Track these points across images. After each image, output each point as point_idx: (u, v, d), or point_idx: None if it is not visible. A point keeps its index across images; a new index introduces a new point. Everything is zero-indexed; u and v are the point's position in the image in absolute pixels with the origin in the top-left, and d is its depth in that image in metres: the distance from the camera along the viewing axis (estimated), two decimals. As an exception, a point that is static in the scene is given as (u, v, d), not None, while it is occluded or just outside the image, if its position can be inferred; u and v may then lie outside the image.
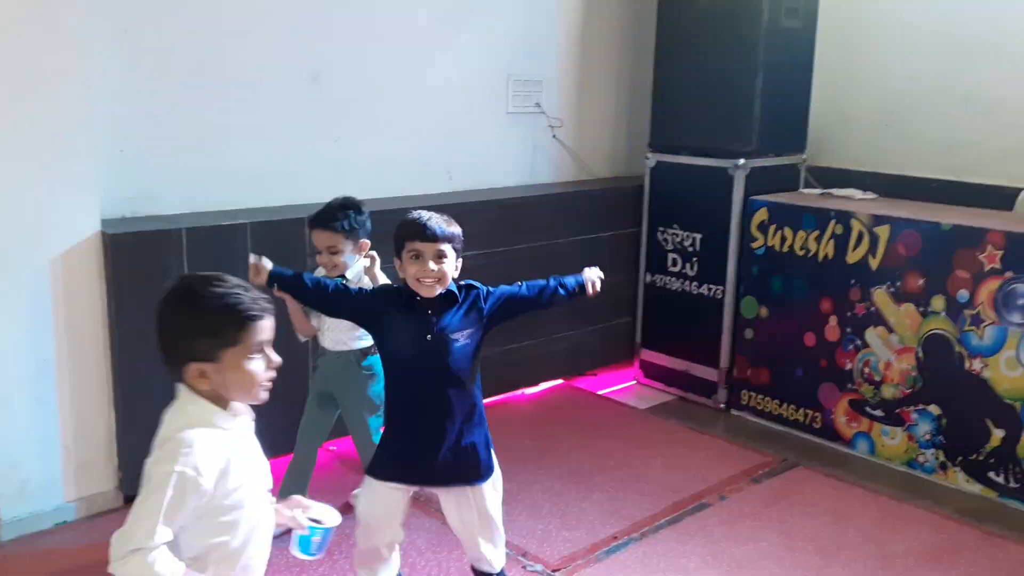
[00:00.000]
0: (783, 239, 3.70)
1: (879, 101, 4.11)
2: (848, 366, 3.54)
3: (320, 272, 2.70)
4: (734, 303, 3.91)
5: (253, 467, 1.62)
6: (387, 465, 2.19)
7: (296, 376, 3.14)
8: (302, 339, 2.79)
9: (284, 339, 2.90)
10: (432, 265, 2.08)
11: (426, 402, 2.14)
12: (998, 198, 3.66)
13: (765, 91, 3.79)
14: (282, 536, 1.76)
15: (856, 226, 3.47)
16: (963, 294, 3.20)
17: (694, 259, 4.02)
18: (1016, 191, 3.64)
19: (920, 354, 3.34)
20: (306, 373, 3.18)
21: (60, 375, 2.77)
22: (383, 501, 2.19)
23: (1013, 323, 3.09)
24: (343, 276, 2.63)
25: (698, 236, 3.99)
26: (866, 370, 3.49)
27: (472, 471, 2.18)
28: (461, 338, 2.14)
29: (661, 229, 4.13)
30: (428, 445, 2.13)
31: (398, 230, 2.15)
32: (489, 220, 3.71)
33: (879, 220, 3.42)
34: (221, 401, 1.57)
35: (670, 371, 4.17)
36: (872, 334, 3.46)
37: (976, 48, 3.80)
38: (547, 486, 3.14)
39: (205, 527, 1.53)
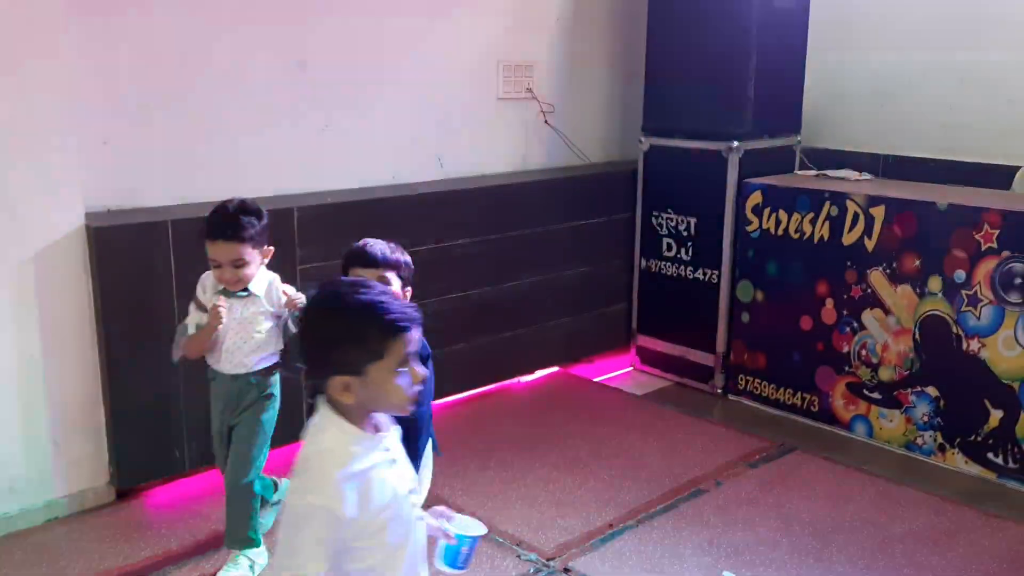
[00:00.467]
0: (778, 222, 3.66)
1: (874, 81, 4.07)
2: (845, 349, 3.51)
3: (209, 293, 2.41)
4: (730, 287, 3.87)
5: (398, 482, 1.54)
6: None
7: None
8: (177, 360, 2.50)
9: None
10: None
11: None
12: (995, 177, 3.63)
13: (759, 72, 3.74)
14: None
15: (851, 207, 3.44)
16: (960, 274, 3.17)
17: (689, 244, 3.98)
18: (1013, 169, 3.61)
19: (917, 336, 3.31)
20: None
21: (48, 370, 2.74)
22: None
23: (1010, 303, 3.06)
24: (246, 290, 2.39)
25: (692, 220, 3.96)
26: (863, 353, 3.46)
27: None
28: None
29: (655, 214, 4.09)
30: None
31: (343, 256, 2.23)
32: (481, 207, 3.68)
33: (874, 201, 3.38)
34: (364, 415, 1.50)
35: (666, 357, 4.14)
36: (869, 316, 3.43)
37: (972, 26, 3.76)
38: (543, 474, 3.12)
39: (358, 551, 1.48)
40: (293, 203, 3.16)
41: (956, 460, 3.25)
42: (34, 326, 2.70)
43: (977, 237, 3.12)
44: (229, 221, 2.33)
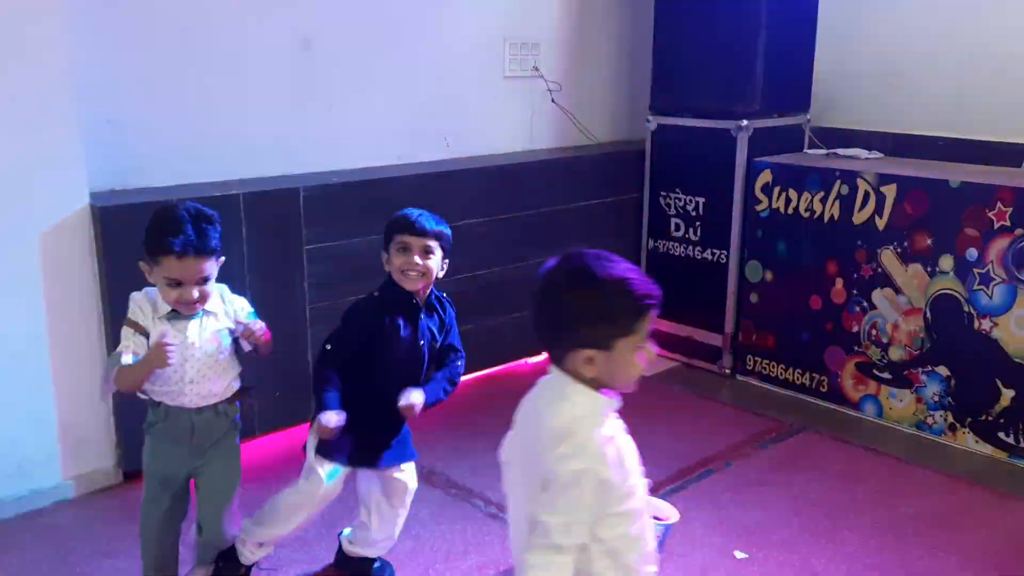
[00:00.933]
0: (788, 201, 3.63)
1: (883, 59, 4.01)
2: (855, 329, 3.48)
3: (150, 317, 2.04)
4: (738, 267, 3.85)
5: (631, 453, 1.57)
6: (342, 449, 2.18)
7: (295, 342, 3.10)
8: (107, 397, 2.24)
9: (280, 306, 2.86)
10: (418, 259, 2.15)
11: (391, 395, 2.14)
12: (1006, 155, 3.58)
13: (768, 50, 3.70)
14: None
15: (862, 186, 3.40)
16: (972, 253, 3.14)
17: (697, 223, 3.95)
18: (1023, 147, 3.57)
19: (928, 315, 3.28)
20: (305, 340, 3.13)
21: (54, 352, 2.73)
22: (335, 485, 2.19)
23: (1023, 281, 3.03)
24: (206, 311, 2.07)
25: (701, 200, 3.93)
26: (873, 332, 3.44)
27: (410, 452, 2.32)
28: (430, 344, 2.25)
29: (663, 194, 4.06)
30: (384, 432, 2.25)
31: (388, 224, 2.22)
32: (487, 187, 3.65)
33: (885, 179, 3.35)
34: (597, 388, 1.52)
35: (674, 337, 4.11)
36: (879, 295, 3.40)
37: (982, 3, 3.70)
38: (551, 455, 3.11)
39: (610, 519, 1.50)
40: (299, 183, 3.14)
41: (967, 440, 3.24)
42: (40, 306, 2.68)
43: (990, 215, 3.08)
44: (197, 232, 1.97)
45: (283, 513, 2.22)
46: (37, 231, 2.64)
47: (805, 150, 4.00)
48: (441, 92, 3.72)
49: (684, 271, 4.02)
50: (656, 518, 1.69)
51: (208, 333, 2.08)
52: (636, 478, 1.55)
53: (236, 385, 2.16)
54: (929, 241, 3.24)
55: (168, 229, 1.97)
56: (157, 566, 2.22)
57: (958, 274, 3.18)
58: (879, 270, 3.39)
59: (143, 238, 2.03)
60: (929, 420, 3.33)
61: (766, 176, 3.69)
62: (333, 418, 2.07)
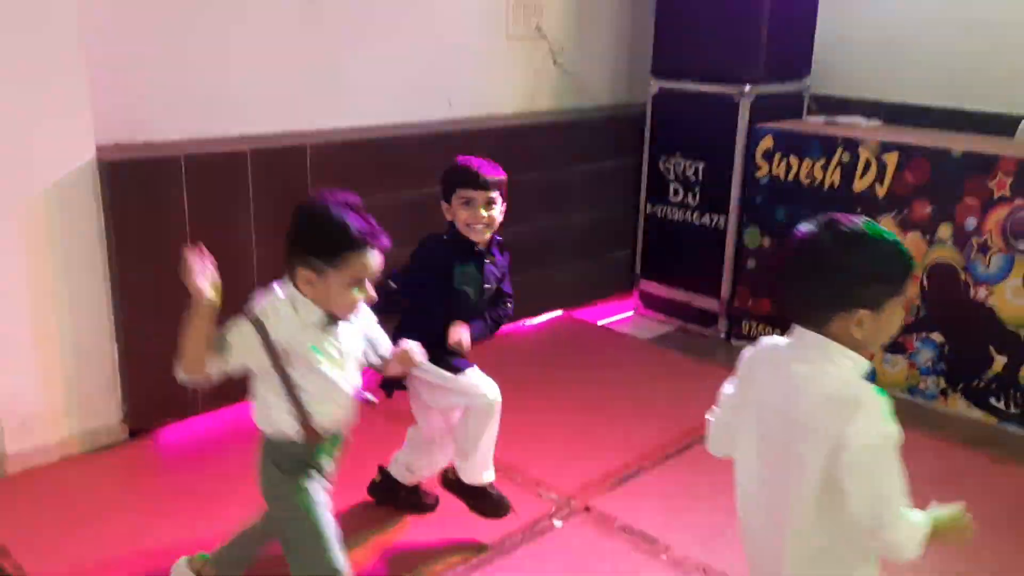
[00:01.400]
0: (788, 167, 3.65)
1: (881, 28, 4.02)
2: (851, 295, 3.53)
3: (302, 332, 1.78)
4: (736, 233, 3.88)
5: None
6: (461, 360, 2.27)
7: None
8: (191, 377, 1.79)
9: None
10: (483, 212, 2.20)
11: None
12: (1000, 125, 3.62)
13: (773, 14, 3.69)
14: None
15: (864, 154, 3.43)
16: (971, 222, 3.19)
17: (696, 188, 3.97)
18: (1018, 119, 3.61)
19: (924, 283, 3.34)
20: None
21: (59, 308, 2.68)
22: None
23: (1020, 251, 3.09)
24: None
25: (700, 165, 3.94)
26: (869, 299, 3.49)
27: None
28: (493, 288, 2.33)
29: (663, 158, 4.06)
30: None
31: (448, 175, 2.23)
32: (489, 148, 3.59)
33: (887, 148, 3.38)
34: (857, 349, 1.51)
35: (670, 302, 4.16)
36: (877, 263, 3.44)
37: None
38: (554, 417, 3.14)
39: None
40: (305, 140, 3.10)
41: (958, 405, 3.32)
42: (46, 261, 2.64)
43: (990, 185, 3.13)
44: (368, 220, 1.77)
45: (485, 441, 2.32)
46: (44, 183, 2.58)
47: (804, 117, 4.02)
48: (444, 52, 3.67)
49: (682, 236, 4.05)
50: None
51: (354, 342, 1.89)
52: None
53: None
54: (929, 210, 3.29)
55: (345, 225, 1.74)
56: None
57: (956, 243, 3.23)
58: (878, 238, 3.42)
59: (304, 248, 1.77)
60: (921, 385, 3.41)
61: (767, 142, 3.71)
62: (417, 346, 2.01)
